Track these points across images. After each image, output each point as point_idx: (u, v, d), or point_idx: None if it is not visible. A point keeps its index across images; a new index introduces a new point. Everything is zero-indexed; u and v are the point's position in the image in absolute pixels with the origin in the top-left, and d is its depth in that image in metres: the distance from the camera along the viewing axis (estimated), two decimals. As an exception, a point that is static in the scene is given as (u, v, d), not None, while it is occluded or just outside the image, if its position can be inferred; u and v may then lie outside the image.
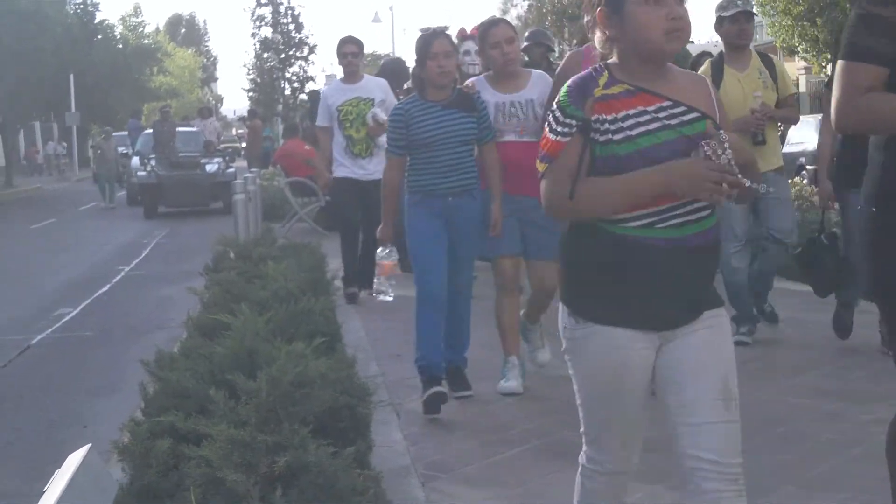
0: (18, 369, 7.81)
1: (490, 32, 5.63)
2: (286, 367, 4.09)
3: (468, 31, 7.23)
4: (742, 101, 6.34)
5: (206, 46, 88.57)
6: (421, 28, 5.62)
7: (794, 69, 36.44)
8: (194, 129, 26.16)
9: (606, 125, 2.67)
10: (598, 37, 2.78)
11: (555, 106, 2.76)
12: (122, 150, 27.07)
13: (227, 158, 22.42)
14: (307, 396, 4.04)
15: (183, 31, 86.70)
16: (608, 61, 2.77)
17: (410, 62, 7.15)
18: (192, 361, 4.78)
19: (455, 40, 7.09)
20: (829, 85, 7.39)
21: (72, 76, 38.58)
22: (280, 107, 37.44)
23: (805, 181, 15.65)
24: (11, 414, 6.55)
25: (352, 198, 8.98)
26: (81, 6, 42.57)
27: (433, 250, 5.45)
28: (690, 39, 2.95)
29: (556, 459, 4.59)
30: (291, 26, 38.19)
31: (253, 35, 38.29)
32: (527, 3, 33.87)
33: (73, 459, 2.78)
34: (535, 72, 5.84)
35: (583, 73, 2.78)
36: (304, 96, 36.26)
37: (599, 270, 2.73)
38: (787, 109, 6.62)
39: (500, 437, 4.98)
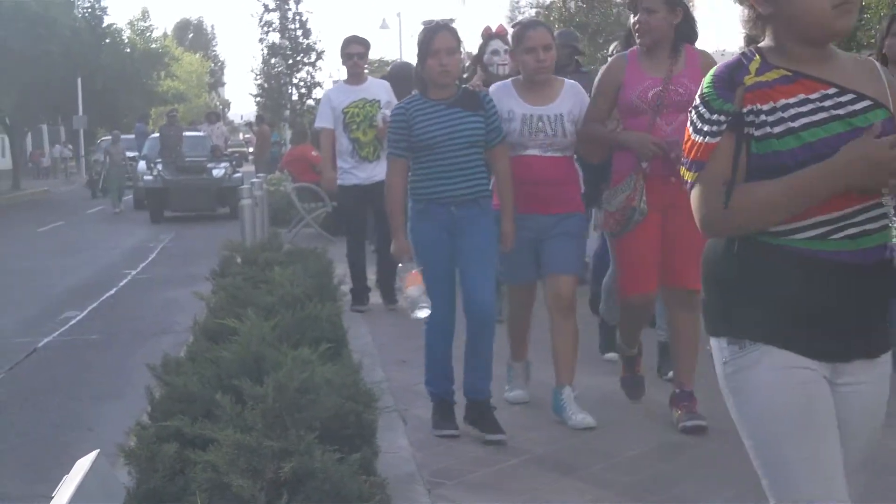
0: (25, 372, 7.82)
1: (527, 35, 5.17)
2: (292, 372, 4.09)
3: (493, 30, 6.74)
4: None
5: (214, 51, 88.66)
6: (423, 21, 5.14)
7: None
8: (201, 133, 26.18)
9: (763, 116, 2.31)
10: (744, 16, 2.46)
11: (698, 101, 2.38)
12: (129, 154, 27.10)
13: (233, 163, 22.40)
14: (313, 402, 4.04)
15: (191, 35, 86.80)
16: (759, 44, 2.42)
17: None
18: (199, 366, 4.78)
19: (480, 39, 6.69)
20: None
21: (79, 80, 38.66)
22: (287, 112, 37.47)
23: None
24: (17, 416, 6.56)
25: (360, 207, 8.76)
26: (90, 10, 42.62)
27: (437, 271, 5.00)
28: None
29: (562, 468, 4.59)
30: (299, 32, 38.21)
31: (261, 40, 38.30)
32: (534, 10, 33.84)
33: (82, 465, 2.78)
34: (568, 82, 5.36)
35: (728, 60, 2.41)
36: (311, 102, 36.30)
37: (763, 289, 2.34)
38: None
39: (507, 444, 4.97)
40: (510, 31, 5.47)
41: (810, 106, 2.31)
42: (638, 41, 5.05)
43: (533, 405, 5.62)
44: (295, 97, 38.09)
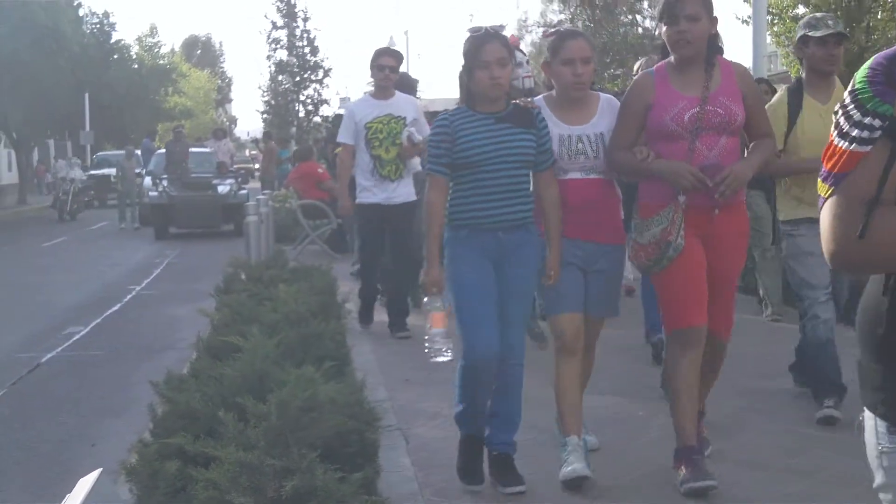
0: (28, 387, 7.82)
1: (565, 46, 4.61)
2: (295, 390, 4.08)
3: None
4: (822, 139, 5.75)
5: (222, 68, 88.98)
6: (470, 28, 4.61)
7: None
8: (207, 149, 26.23)
9: None
10: None
11: (848, 99, 1.87)
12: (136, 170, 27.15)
13: (239, 180, 22.41)
14: (316, 421, 4.04)
15: (199, 52, 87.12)
16: None
17: (423, 85, 6.68)
18: (202, 383, 4.78)
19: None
20: None
21: (87, 95, 38.81)
22: (294, 129, 37.58)
23: None
24: (20, 432, 6.56)
25: (377, 227, 8.26)
26: (98, 26, 42.86)
27: (482, 300, 4.46)
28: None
29: (566, 490, 4.57)
30: (307, 49, 38.36)
31: (268, 57, 38.48)
32: (541, 29, 33.91)
33: (84, 483, 2.77)
34: (604, 96, 4.84)
35: (887, 51, 1.89)
36: (318, 119, 36.37)
37: None
38: None
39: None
40: (546, 40, 4.88)
41: None
42: (674, 54, 4.49)
43: (539, 426, 5.55)
44: (302, 114, 38.19)
